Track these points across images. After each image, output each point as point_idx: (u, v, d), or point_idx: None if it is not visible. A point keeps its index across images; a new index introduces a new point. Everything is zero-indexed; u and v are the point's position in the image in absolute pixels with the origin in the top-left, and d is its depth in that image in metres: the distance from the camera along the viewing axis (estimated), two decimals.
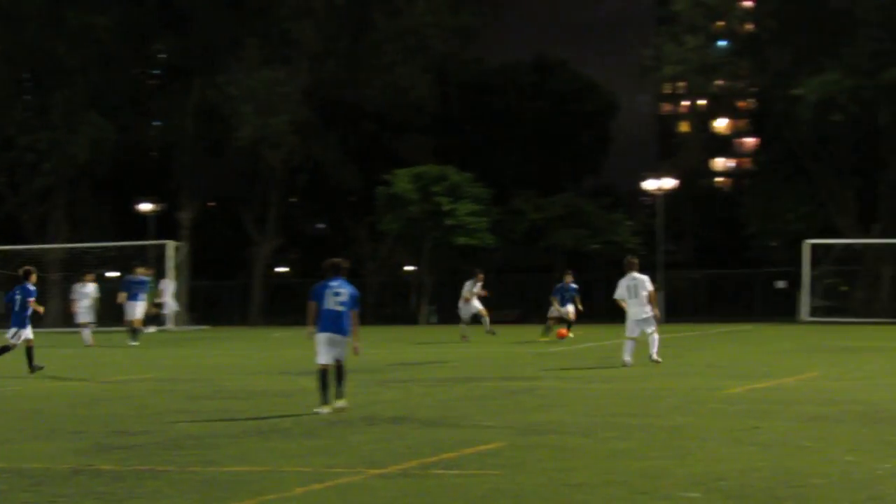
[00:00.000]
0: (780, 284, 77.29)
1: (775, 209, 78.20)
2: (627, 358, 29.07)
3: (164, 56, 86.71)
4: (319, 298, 18.86)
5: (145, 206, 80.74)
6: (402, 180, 75.98)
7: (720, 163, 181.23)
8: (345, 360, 19.06)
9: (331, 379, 18.69)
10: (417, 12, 78.92)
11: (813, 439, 15.09)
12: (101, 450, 15.43)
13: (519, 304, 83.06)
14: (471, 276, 48.01)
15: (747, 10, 78.56)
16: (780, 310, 73.02)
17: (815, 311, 65.23)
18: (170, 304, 62.15)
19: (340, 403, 18.78)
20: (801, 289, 65.86)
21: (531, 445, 15.27)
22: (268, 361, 35.41)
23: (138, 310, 45.75)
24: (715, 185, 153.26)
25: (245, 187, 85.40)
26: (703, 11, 73.57)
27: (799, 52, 70.24)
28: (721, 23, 77.09)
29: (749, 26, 78.85)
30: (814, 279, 66.75)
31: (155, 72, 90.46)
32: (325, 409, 18.51)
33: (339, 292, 18.83)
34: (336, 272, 19.21)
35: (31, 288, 29.44)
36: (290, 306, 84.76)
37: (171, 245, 65.66)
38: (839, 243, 68.85)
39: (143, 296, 46.16)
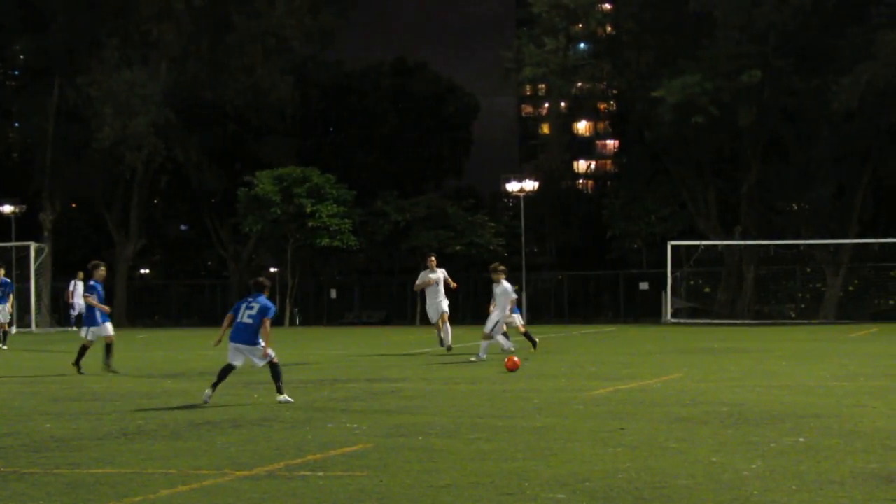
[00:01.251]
0: (644, 286, 78.03)
1: (637, 211, 79.02)
2: (483, 355, 31.54)
3: (23, 56, 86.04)
4: (236, 312, 20.75)
5: (6, 208, 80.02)
6: (264, 182, 75.83)
7: (582, 165, 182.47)
8: (263, 362, 20.69)
9: (226, 375, 20.92)
10: (277, 13, 79.14)
11: (678, 440, 15.24)
12: None
13: (384, 305, 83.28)
14: (425, 266, 39.18)
15: (606, 13, 79.35)
16: (644, 311, 73.72)
17: (677, 313, 66.01)
18: (80, 305, 62.12)
19: (281, 398, 20.56)
20: (665, 290, 66.63)
21: (397, 447, 15.35)
22: (132, 363, 35.07)
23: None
24: (577, 186, 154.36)
25: (107, 189, 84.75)
26: (562, 13, 74.28)
27: (659, 54, 71.07)
28: (580, 25, 77.72)
29: (609, 28, 79.70)
30: (676, 281, 67.52)
31: (14, 72, 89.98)
32: (208, 392, 20.46)
33: (252, 306, 20.52)
34: (259, 289, 20.98)
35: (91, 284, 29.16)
36: (154, 308, 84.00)
37: (33, 247, 65.20)
38: (701, 245, 69.63)
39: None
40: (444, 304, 36.49)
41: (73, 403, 21.88)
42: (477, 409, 19.66)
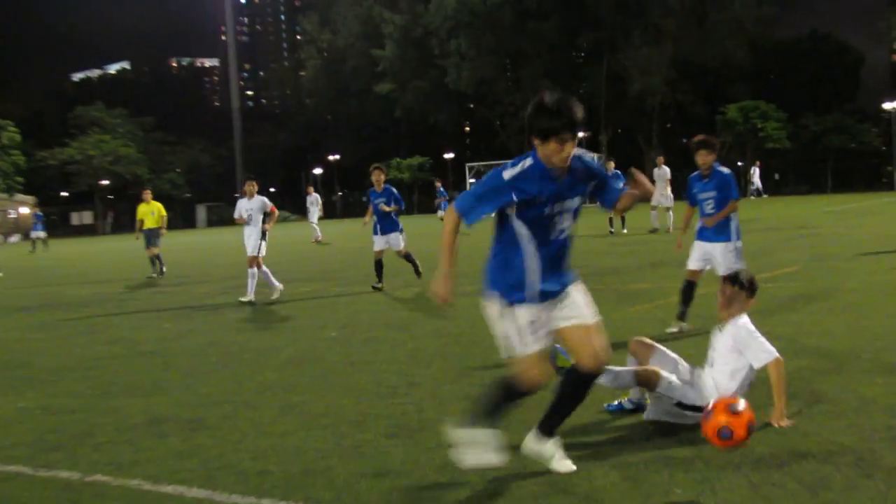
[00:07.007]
0: None
1: None
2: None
3: (584, 44, 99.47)
4: None
5: (580, 134, 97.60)
6: (731, 111, 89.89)
7: None
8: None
9: None
10: (739, 3, 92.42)
11: None
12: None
13: (806, 180, 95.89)
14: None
15: None
16: None
17: None
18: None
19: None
20: None
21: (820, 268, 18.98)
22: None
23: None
24: None
25: (638, 119, 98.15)
26: None
27: None
28: None
29: None
30: None
31: (581, 54, 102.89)
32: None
33: None
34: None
35: None
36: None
37: (595, 157, 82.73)
38: None
39: None
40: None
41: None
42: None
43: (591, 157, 6.32)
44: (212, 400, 9.34)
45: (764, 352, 7.08)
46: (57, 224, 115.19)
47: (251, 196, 18.67)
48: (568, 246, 6.25)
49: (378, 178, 19.31)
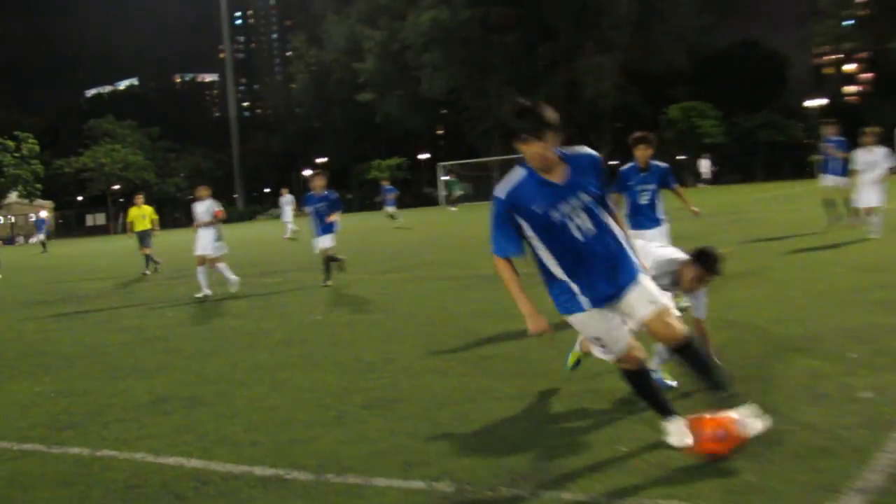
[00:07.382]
0: None
1: None
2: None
3: (543, 55, 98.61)
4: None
5: None
6: (673, 111, 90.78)
7: None
8: None
9: None
10: (679, 16, 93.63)
11: None
12: None
13: (738, 171, 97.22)
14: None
15: None
16: None
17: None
18: None
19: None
20: None
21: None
22: None
23: None
24: None
25: (591, 120, 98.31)
26: None
27: None
28: None
29: None
30: None
31: (541, 63, 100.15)
32: None
33: None
34: None
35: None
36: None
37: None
38: None
39: None
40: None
41: None
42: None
43: (587, 151, 5.70)
44: (209, 379, 9.37)
45: (701, 310, 7.44)
46: (72, 225, 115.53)
47: (202, 199, 18.56)
48: (607, 242, 5.61)
49: (320, 182, 18.58)
